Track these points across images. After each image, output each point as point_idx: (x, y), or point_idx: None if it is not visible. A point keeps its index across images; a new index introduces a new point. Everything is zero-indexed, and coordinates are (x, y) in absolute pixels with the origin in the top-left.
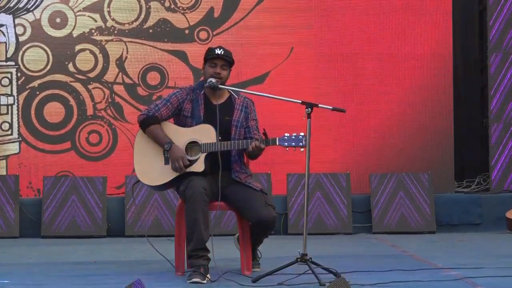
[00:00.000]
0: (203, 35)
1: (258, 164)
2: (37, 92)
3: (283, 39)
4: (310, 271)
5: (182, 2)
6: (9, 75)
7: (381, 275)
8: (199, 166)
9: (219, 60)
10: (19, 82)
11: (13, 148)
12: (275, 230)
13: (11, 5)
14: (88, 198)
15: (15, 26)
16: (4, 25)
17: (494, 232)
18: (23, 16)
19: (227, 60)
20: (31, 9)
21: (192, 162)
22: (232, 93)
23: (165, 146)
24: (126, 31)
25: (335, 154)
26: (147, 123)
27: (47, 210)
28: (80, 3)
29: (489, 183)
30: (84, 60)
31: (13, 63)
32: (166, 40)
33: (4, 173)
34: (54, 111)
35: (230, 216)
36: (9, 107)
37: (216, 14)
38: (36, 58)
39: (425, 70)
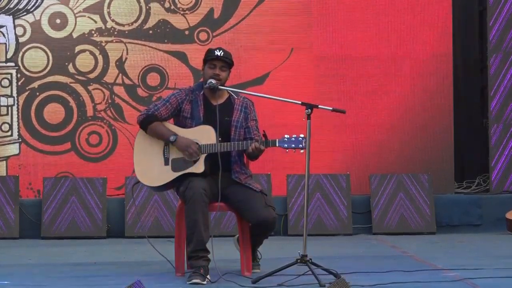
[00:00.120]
0: (203, 36)
1: (258, 165)
2: (37, 93)
3: (283, 40)
4: (310, 272)
5: (182, 3)
6: (9, 76)
7: (381, 276)
8: (199, 167)
9: (219, 62)
10: (19, 83)
11: (13, 149)
12: (275, 231)
13: (11, 6)
14: (88, 199)
15: (15, 27)
16: (4, 26)
17: (494, 233)
18: (23, 17)
19: (227, 62)
20: (31, 10)
21: (198, 153)
22: (232, 93)
23: (171, 138)
24: (126, 32)
25: (335, 155)
26: (148, 121)
27: (47, 211)
28: (80, 4)
29: (489, 184)
30: (84, 61)
31: (13, 64)
32: (166, 41)
33: (4, 174)
34: (54, 112)
35: (230, 217)
36: (9, 108)
37: (216, 15)
38: (36, 59)
39: (425, 70)
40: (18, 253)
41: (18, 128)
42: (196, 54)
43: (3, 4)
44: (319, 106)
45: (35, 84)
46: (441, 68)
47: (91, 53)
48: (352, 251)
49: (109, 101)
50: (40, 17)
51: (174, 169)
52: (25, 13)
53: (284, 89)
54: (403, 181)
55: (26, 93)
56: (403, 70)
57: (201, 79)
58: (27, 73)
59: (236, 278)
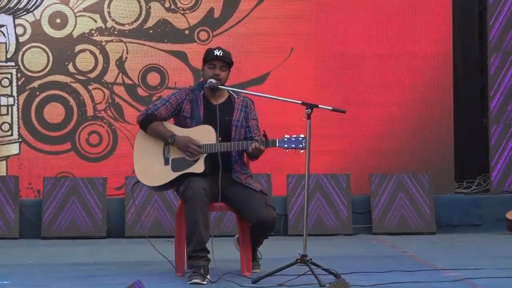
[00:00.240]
0: (203, 35)
1: (258, 165)
2: (37, 93)
3: (283, 39)
4: (310, 272)
5: (182, 2)
6: (9, 76)
7: (381, 276)
8: (199, 167)
9: (218, 61)
10: (19, 83)
11: (13, 149)
12: (275, 231)
13: (11, 5)
14: (88, 199)
15: (15, 26)
16: (4, 25)
17: (494, 233)
18: (23, 17)
19: (226, 61)
20: (31, 10)
21: (196, 155)
22: (232, 93)
23: (169, 139)
24: (126, 31)
25: (335, 154)
26: (148, 121)
27: (47, 211)
28: (80, 4)
29: (489, 184)
30: (84, 61)
31: (13, 63)
32: (166, 40)
33: (4, 174)
34: (54, 112)
35: (230, 217)
36: (9, 107)
37: (216, 15)
38: (36, 58)
39: (425, 70)
40: (18, 253)
41: (18, 127)
42: (196, 53)
43: (3, 3)
44: (319, 105)
45: (35, 84)
46: (441, 68)
47: (91, 52)
48: (352, 251)
49: (109, 100)
50: (40, 16)
51: (174, 169)
52: (25, 12)
53: (284, 89)
54: (403, 181)
55: (26, 92)
56: (403, 69)
57: (201, 79)
58: (27, 72)
59: (236, 278)
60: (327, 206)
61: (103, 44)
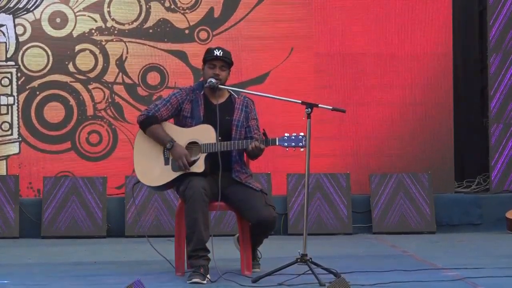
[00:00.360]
0: (203, 35)
1: (258, 164)
2: (37, 92)
3: (283, 39)
4: (310, 272)
5: (182, 2)
6: (9, 75)
7: (381, 275)
8: (199, 166)
9: (218, 61)
10: (19, 82)
11: (13, 148)
12: (275, 231)
13: (11, 5)
14: (88, 199)
15: (15, 26)
16: (4, 25)
17: (494, 233)
18: (23, 16)
19: (226, 61)
20: (31, 9)
21: (192, 163)
22: (232, 92)
23: (167, 145)
24: (126, 31)
25: (335, 154)
26: (148, 123)
27: (47, 210)
28: (80, 3)
29: (489, 183)
30: (84, 60)
31: (13, 63)
32: (166, 40)
33: (4, 173)
34: (54, 111)
35: (230, 217)
36: (9, 107)
37: (216, 14)
38: (36, 58)
39: (425, 70)
40: (18, 253)
41: (18, 127)
42: (196, 53)
43: (3, 3)
44: (319, 105)
45: (35, 83)
46: (441, 68)
47: (91, 52)
48: (352, 250)
49: (109, 100)
50: (40, 16)
51: (174, 169)
52: (25, 12)
53: (284, 89)
54: (403, 181)
55: (26, 92)
56: (403, 69)
57: (201, 79)
58: (27, 72)
59: (236, 278)
60: (327, 206)
61: (103, 43)
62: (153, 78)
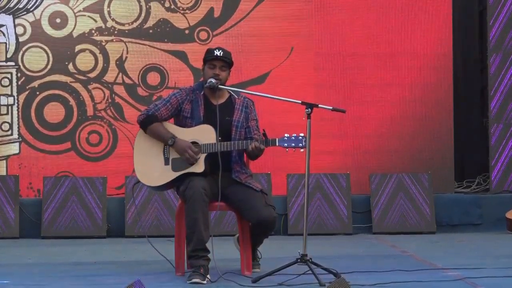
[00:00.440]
0: (203, 35)
1: (258, 165)
2: (37, 93)
3: (283, 39)
4: (310, 272)
5: (182, 2)
6: (9, 75)
7: (381, 275)
8: (199, 166)
9: (218, 62)
10: (19, 83)
11: (13, 148)
12: (275, 231)
13: (11, 5)
14: (88, 199)
15: (15, 26)
16: (4, 25)
17: (494, 233)
18: (23, 16)
19: (226, 61)
20: (31, 10)
21: (197, 152)
22: (232, 93)
23: (169, 142)
24: (126, 31)
25: (335, 154)
26: (148, 121)
27: (47, 210)
28: (80, 4)
29: (489, 183)
30: (84, 61)
31: (13, 63)
32: (166, 40)
33: (4, 173)
34: (54, 112)
35: (230, 217)
36: (9, 107)
37: (216, 14)
38: (36, 58)
39: (425, 70)
40: (18, 253)
41: (18, 127)
42: (196, 53)
43: (3, 3)
44: (319, 105)
45: (35, 84)
46: (441, 68)
47: (91, 52)
48: (352, 250)
49: (109, 100)
50: (40, 16)
51: (174, 169)
52: (25, 12)
53: (284, 89)
54: (403, 181)
55: (26, 92)
56: (403, 69)
57: (201, 79)
58: (27, 72)
59: (236, 278)
60: (327, 206)
61: (103, 44)
62: (153, 78)
